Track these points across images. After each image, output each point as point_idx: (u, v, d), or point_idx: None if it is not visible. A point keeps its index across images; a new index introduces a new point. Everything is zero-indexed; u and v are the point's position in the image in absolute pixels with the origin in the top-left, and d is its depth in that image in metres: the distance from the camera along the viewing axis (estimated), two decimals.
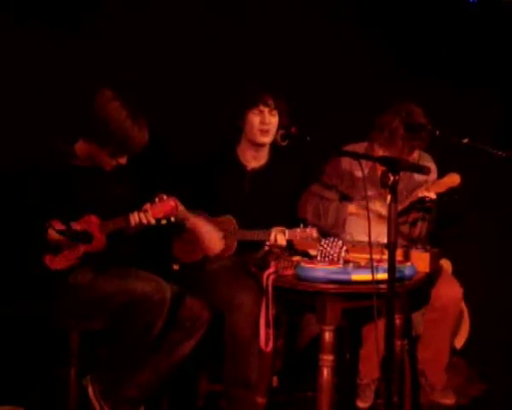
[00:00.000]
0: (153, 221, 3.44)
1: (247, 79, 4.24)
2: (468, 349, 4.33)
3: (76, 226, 3.43)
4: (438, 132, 3.72)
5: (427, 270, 3.49)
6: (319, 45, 4.52)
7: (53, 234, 3.37)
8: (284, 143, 3.61)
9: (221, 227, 3.89)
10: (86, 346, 3.53)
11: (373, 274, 3.09)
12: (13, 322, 3.63)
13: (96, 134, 3.43)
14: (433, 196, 3.65)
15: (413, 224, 3.83)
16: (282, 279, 3.33)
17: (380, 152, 3.86)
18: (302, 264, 3.28)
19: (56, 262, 3.40)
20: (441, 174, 3.80)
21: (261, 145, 3.95)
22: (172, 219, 3.48)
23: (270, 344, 3.40)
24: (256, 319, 3.43)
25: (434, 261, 3.58)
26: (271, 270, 3.34)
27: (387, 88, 4.45)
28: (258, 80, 4.20)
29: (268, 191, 3.94)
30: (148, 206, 3.45)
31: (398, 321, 3.42)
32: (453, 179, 3.69)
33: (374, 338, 3.20)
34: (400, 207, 3.64)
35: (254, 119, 3.89)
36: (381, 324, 3.09)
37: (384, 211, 3.76)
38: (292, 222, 3.76)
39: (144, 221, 3.44)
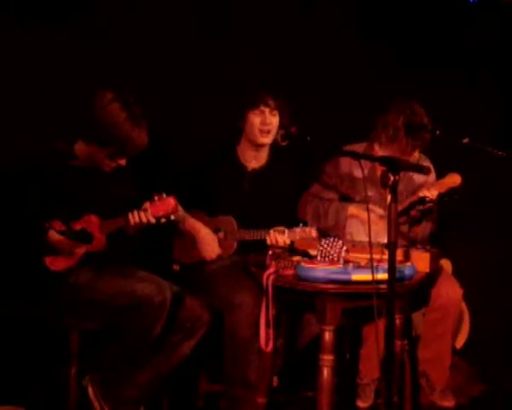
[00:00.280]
0: (153, 220, 3.44)
1: (248, 79, 4.24)
2: (468, 349, 4.32)
3: (76, 226, 3.43)
4: (438, 132, 3.72)
5: (427, 270, 3.49)
6: (319, 45, 4.52)
7: (53, 235, 3.37)
8: (284, 143, 3.61)
9: (221, 227, 3.90)
10: (86, 346, 3.53)
11: (373, 274, 3.08)
12: (13, 322, 3.63)
13: (96, 136, 3.43)
14: (433, 196, 3.64)
15: (413, 224, 3.83)
16: (282, 279, 3.33)
17: (379, 152, 3.86)
18: (302, 264, 3.28)
19: (57, 263, 3.40)
20: (441, 174, 3.80)
21: (261, 145, 3.95)
22: (172, 217, 3.48)
23: (270, 344, 3.40)
24: (256, 319, 3.43)
25: (434, 261, 3.58)
26: (271, 270, 3.34)
27: (387, 88, 4.44)
28: (259, 80, 4.20)
29: (268, 191, 3.94)
30: (147, 204, 3.45)
31: (398, 321, 3.42)
32: (454, 179, 3.69)
33: (374, 338, 3.21)
34: (400, 208, 3.64)
35: (255, 119, 3.88)
36: (381, 324, 3.09)
37: (383, 211, 3.76)
38: (292, 222, 3.76)
39: (144, 220, 3.43)
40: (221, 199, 3.94)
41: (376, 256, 3.21)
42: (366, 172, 3.79)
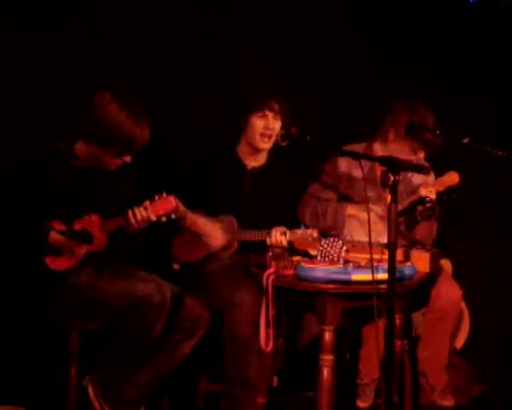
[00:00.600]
0: (153, 218, 3.43)
1: (248, 79, 4.24)
2: (468, 349, 4.32)
3: (76, 226, 3.43)
4: (438, 132, 3.73)
5: (427, 270, 3.49)
6: (319, 45, 4.52)
7: (54, 236, 3.37)
8: (284, 143, 3.61)
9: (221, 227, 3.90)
10: (86, 346, 3.53)
11: (373, 274, 3.08)
12: (13, 322, 3.63)
13: (97, 137, 3.42)
14: (432, 195, 3.64)
15: (411, 224, 3.83)
16: (282, 279, 3.33)
17: (379, 152, 3.87)
18: (302, 264, 3.28)
19: (57, 263, 3.40)
20: (441, 175, 3.80)
21: (260, 151, 3.95)
22: (173, 216, 3.48)
23: (270, 344, 3.40)
24: (256, 319, 3.44)
25: (434, 261, 3.58)
26: (271, 270, 3.34)
27: (387, 88, 4.45)
28: (259, 80, 4.20)
29: (268, 191, 3.94)
30: (147, 203, 3.45)
31: (398, 321, 3.42)
32: (452, 178, 3.69)
33: (374, 338, 3.21)
34: (400, 208, 3.64)
35: (258, 122, 3.88)
36: (381, 324, 3.09)
37: (382, 211, 3.77)
38: (292, 222, 3.76)
39: (145, 218, 3.43)
40: (221, 199, 3.94)
41: (376, 256, 3.22)
42: (365, 172, 3.79)
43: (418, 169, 3.37)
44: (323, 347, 3.26)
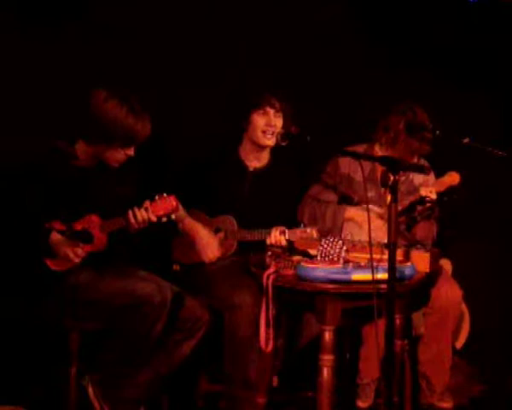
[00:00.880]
0: (154, 218, 3.44)
1: (250, 79, 4.24)
2: (468, 349, 4.32)
3: (77, 226, 3.43)
4: (438, 132, 3.72)
5: (427, 270, 3.49)
6: (319, 45, 4.52)
7: (54, 236, 3.37)
8: (284, 143, 3.61)
9: (221, 227, 3.90)
10: (86, 346, 3.53)
11: (373, 274, 3.08)
12: (13, 322, 3.63)
13: (101, 135, 3.42)
14: (432, 195, 3.64)
15: (412, 224, 3.83)
16: (282, 279, 3.33)
17: (380, 153, 3.87)
18: (302, 264, 3.28)
19: (58, 263, 3.40)
20: (441, 175, 3.80)
21: (264, 147, 3.95)
22: (173, 216, 3.48)
23: (270, 344, 3.40)
24: (256, 319, 3.44)
25: (434, 261, 3.58)
26: (271, 270, 3.35)
27: (388, 88, 4.45)
28: (260, 80, 4.20)
29: (269, 192, 3.94)
30: (147, 203, 3.45)
31: (398, 321, 3.42)
32: (453, 178, 3.69)
33: (374, 338, 3.21)
34: (400, 208, 3.64)
35: (259, 120, 3.88)
36: (381, 324, 3.09)
37: (382, 211, 3.76)
38: (292, 222, 3.76)
39: (145, 219, 3.43)
40: (222, 199, 3.93)
41: (376, 256, 3.21)
42: (366, 173, 3.79)
43: (418, 169, 3.37)
44: (323, 347, 3.26)
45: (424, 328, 3.89)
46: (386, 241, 3.10)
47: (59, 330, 3.53)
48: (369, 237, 3.12)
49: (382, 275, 3.10)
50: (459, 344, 4.30)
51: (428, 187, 3.69)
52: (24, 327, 3.70)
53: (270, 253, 3.49)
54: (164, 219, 3.46)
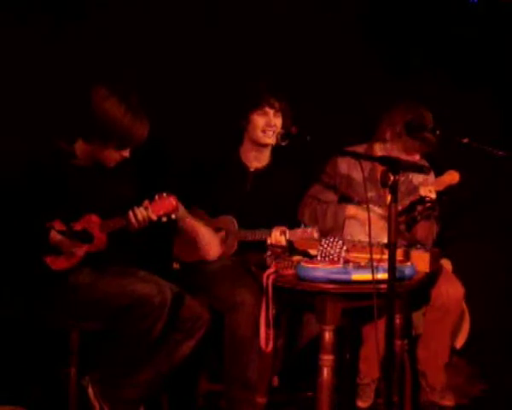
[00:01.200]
0: (154, 218, 3.44)
1: (249, 79, 4.24)
2: (468, 349, 4.32)
3: (77, 226, 3.43)
4: (438, 132, 3.72)
5: (428, 270, 3.49)
6: (319, 45, 4.52)
7: (54, 236, 3.37)
8: (284, 143, 3.61)
9: (222, 227, 3.90)
10: (86, 346, 3.53)
11: (373, 274, 3.08)
12: (13, 322, 3.63)
13: (98, 133, 3.42)
14: (432, 195, 3.64)
15: (412, 223, 3.83)
16: (282, 279, 3.33)
17: (380, 153, 3.86)
18: (302, 264, 3.28)
19: (58, 263, 3.40)
20: (441, 174, 3.80)
21: (264, 146, 3.95)
22: (173, 216, 3.48)
23: (271, 344, 3.40)
24: (256, 319, 3.43)
25: (434, 261, 3.58)
26: (271, 270, 3.34)
27: (388, 88, 4.45)
28: (260, 80, 4.19)
29: (270, 192, 3.94)
30: (147, 203, 3.45)
31: (398, 321, 3.42)
32: (452, 177, 3.69)
33: (374, 338, 3.21)
34: (400, 208, 3.64)
35: (259, 120, 3.88)
36: (381, 324, 3.09)
37: (382, 211, 3.76)
38: (293, 222, 3.76)
39: (145, 218, 3.43)
40: (223, 199, 3.93)
41: (376, 256, 3.21)
42: (366, 173, 3.79)
43: (418, 169, 3.37)
44: (323, 347, 3.25)
45: (424, 325, 3.89)
46: (386, 241, 3.10)
47: (59, 330, 3.53)
48: (369, 237, 3.12)
49: (382, 275, 3.10)
50: (459, 344, 4.31)
51: (428, 186, 3.68)
52: (24, 327, 3.70)
53: (269, 253, 3.48)
54: (164, 219, 3.46)
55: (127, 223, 3.44)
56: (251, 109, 3.89)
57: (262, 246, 3.65)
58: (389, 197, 2.95)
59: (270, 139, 3.89)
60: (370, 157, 3.70)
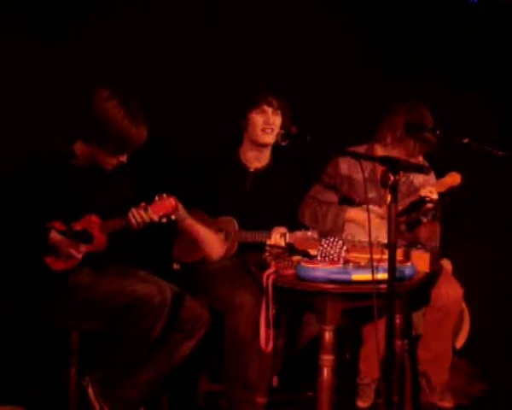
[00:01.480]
0: (154, 218, 3.44)
1: (249, 79, 4.24)
2: (468, 349, 4.32)
3: (77, 227, 3.43)
4: (438, 132, 3.72)
5: (428, 270, 3.49)
6: (320, 46, 4.52)
7: (54, 236, 3.37)
8: (284, 143, 3.60)
9: (222, 228, 3.90)
10: (86, 346, 3.53)
11: (373, 274, 3.08)
12: (13, 322, 3.63)
13: (95, 135, 3.42)
14: (434, 195, 3.64)
15: (413, 225, 3.83)
16: (282, 279, 3.33)
17: (381, 153, 3.86)
18: (302, 264, 3.28)
19: (58, 263, 3.40)
20: (441, 175, 3.80)
21: (263, 145, 3.94)
22: (173, 216, 3.48)
23: (270, 344, 3.40)
24: (256, 319, 3.43)
25: (435, 261, 3.58)
26: (271, 270, 3.34)
27: (388, 88, 4.45)
28: (260, 79, 4.19)
29: (270, 192, 3.93)
30: (144, 204, 3.45)
31: (398, 321, 3.42)
32: (454, 178, 3.68)
33: (374, 338, 3.20)
34: (400, 208, 3.64)
35: (257, 118, 3.88)
36: (381, 324, 3.09)
37: (383, 212, 3.76)
38: (293, 223, 3.76)
39: (145, 219, 3.43)
40: (223, 200, 3.93)
41: (376, 256, 3.21)
42: (366, 173, 3.79)
43: (418, 169, 3.37)
44: (323, 347, 3.25)
45: (424, 326, 3.89)
46: (386, 241, 3.10)
47: (59, 330, 3.53)
48: (369, 237, 3.12)
49: (382, 275, 3.10)
50: (459, 344, 4.31)
51: (428, 187, 3.68)
52: (24, 327, 3.70)
53: (267, 253, 3.49)
54: (164, 220, 3.46)
55: (127, 223, 3.44)
56: (249, 108, 3.89)
57: (262, 246, 3.65)
58: (389, 197, 2.95)
59: (270, 138, 3.89)
60: (370, 157, 3.71)
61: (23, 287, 3.42)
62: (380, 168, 3.67)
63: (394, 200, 2.93)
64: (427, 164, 3.85)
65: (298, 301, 3.44)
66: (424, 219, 3.72)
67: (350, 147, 3.86)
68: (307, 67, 4.51)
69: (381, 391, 3.74)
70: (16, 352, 3.84)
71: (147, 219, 3.43)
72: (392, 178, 2.93)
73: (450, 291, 3.80)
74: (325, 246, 3.30)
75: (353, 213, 3.84)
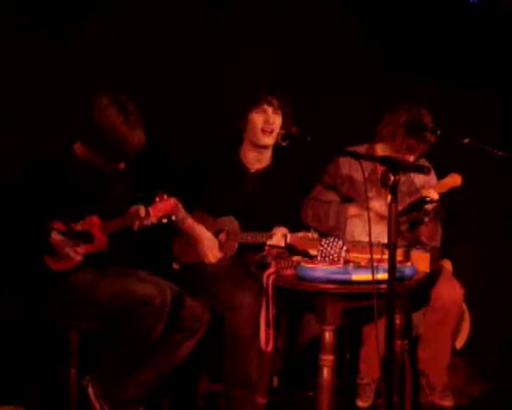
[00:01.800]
0: (154, 219, 3.44)
1: (249, 80, 4.24)
2: (468, 349, 4.32)
3: (77, 228, 3.43)
4: (438, 132, 3.73)
5: (428, 270, 3.49)
6: (320, 46, 4.52)
7: (55, 236, 3.37)
8: (285, 144, 3.60)
9: (223, 228, 3.90)
10: (86, 346, 3.53)
11: (373, 274, 3.08)
12: (13, 322, 3.63)
13: (93, 141, 3.43)
14: (434, 195, 3.64)
15: (414, 225, 3.83)
16: (282, 279, 3.33)
17: (380, 153, 3.86)
18: (302, 264, 3.28)
19: (58, 263, 3.40)
20: (441, 175, 3.80)
21: (263, 147, 3.94)
22: (173, 217, 3.48)
23: (271, 344, 3.40)
24: (256, 319, 3.43)
25: (435, 261, 3.58)
26: (271, 270, 3.34)
27: (388, 89, 4.45)
28: (260, 79, 4.20)
29: (271, 193, 3.93)
30: (143, 205, 3.45)
31: (398, 321, 3.42)
32: (455, 180, 3.68)
33: (374, 338, 3.21)
34: (401, 208, 3.64)
35: (257, 118, 3.87)
36: (381, 324, 3.09)
37: (384, 211, 3.76)
38: (294, 224, 3.76)
39: (145, 220, 3.43)
40: (224, 200, 3.92)
41: (376, 256, 3.21)
42: (367, 173, 3.79)
43: (418, 169, 3.37)
44: (323, 347, 3.25)
45: (424, 326, 3.89)
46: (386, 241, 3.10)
47: (59, 330, 3.53)
48: (370, 237, 3.12)
49: (382, 275, 3.10)
50: (459, 344, 4.31)
51: (429, 188, 3.69)
52: (24, 327, 3.70)
53: (265, 252, 3.49)
54: (164, 221, 3.46)
55: (128, 224, 3.44)
56: (249, 108, 3.88)
57: (262, 247, 3.65)
58: (389, 197, 2.95)
59: (269, 140, 3.88)
60: (370, 157, 3.71)
61: (23, 287, 3.42)
62: (380, 168, 3.68)
63: (394, 200, 2.93)
64: (427, 164, 3.85)
65: (298, 301, 3.44)
66: (426, 219, 3.72)
67: (350, 147, 3.86)
68: (307, 68, 4.51)
69: (381, 391, 3.74)
70: (16, 352, 3.84)
71: (147, 219, 3.43)
72: (392, 178, 2.93)
73: (450, 291, 3.80)
74: (325, 246, 3.30)
75: (355, 209, 3.85)
